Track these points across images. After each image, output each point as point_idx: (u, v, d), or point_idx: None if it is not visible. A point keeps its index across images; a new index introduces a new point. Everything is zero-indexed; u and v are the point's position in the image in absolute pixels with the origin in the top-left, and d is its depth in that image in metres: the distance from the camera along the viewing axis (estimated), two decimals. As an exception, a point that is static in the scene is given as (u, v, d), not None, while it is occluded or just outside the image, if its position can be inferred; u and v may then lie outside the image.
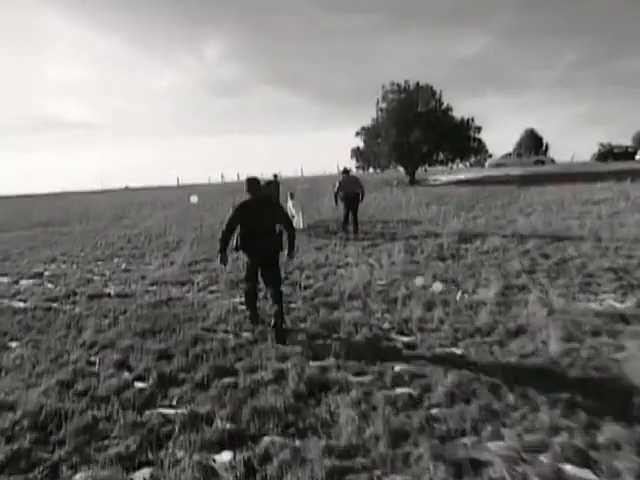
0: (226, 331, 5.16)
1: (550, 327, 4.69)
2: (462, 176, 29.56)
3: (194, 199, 22.26)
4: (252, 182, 5.13)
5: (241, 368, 4.18)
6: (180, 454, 3.00)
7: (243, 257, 5.24)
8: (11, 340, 5.26)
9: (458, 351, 4.39)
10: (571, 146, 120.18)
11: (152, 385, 3.94)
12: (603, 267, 6.94)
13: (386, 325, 5.14)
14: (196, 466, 2.85)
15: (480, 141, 27.75)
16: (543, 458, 2.81)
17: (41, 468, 2.92)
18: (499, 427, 3.11)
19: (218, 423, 3.29)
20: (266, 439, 3.12)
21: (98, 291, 7.23)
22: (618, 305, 5.41)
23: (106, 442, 3.16)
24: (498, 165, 36.11)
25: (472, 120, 27.41)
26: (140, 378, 4.10)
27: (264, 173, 16.88)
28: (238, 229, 5.05)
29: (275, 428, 3.23)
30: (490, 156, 35.52)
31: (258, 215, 5.03)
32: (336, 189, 11.88)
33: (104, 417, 3.44)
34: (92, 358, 4.60)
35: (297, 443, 3.06)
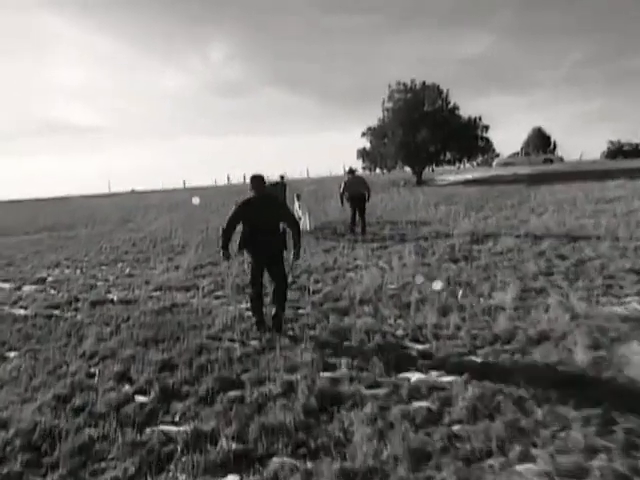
0: (232, 339, 4.93)
1: (574, 333, 4.42)
2: (470, 176, 29.16)
3: (196, 200, 22.15)
4: (256, 179, 4.96)
5: (248, 380, 3.94)
6: (182, 478, 2.77)
7: (247, 258, 5.06)
8: (9, 350, 5.07)
9: (477, 360, 4.13)
10: (579, 144, 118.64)
11: (154, 399, 3.71)
12: (624, 268, 6.65)
13: (399, 332, 4.90)
14: (199, 492, 2.62)
15: (488, 140, 27.43)
16: (582, 484, 2.54)
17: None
18: (528, 447, 2.85)
19: (223, 442, 3.05)
20: (275, 460, 2.88)
21: (101, 297, 7.06)
22: (644, 309, 5.12)
23: (102, 464, 2.93)
24: (506, 164, 35.63)
25: (479, 119, 27.10)
26: (141, 391, 3.88)
27: (271, 174, 16.64)
28: (242, 227, 4.87)
29: (285, 448, 2.98)
30: (497, 155, 35.24)
31: (262, 213, 4.87)
32: (342, 190, 11.66)
33: (101, 436, 3.21)
34: (92, 369, 4.39)
35: (309, 465, 2.81)
